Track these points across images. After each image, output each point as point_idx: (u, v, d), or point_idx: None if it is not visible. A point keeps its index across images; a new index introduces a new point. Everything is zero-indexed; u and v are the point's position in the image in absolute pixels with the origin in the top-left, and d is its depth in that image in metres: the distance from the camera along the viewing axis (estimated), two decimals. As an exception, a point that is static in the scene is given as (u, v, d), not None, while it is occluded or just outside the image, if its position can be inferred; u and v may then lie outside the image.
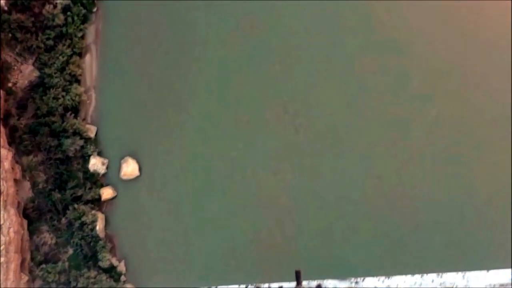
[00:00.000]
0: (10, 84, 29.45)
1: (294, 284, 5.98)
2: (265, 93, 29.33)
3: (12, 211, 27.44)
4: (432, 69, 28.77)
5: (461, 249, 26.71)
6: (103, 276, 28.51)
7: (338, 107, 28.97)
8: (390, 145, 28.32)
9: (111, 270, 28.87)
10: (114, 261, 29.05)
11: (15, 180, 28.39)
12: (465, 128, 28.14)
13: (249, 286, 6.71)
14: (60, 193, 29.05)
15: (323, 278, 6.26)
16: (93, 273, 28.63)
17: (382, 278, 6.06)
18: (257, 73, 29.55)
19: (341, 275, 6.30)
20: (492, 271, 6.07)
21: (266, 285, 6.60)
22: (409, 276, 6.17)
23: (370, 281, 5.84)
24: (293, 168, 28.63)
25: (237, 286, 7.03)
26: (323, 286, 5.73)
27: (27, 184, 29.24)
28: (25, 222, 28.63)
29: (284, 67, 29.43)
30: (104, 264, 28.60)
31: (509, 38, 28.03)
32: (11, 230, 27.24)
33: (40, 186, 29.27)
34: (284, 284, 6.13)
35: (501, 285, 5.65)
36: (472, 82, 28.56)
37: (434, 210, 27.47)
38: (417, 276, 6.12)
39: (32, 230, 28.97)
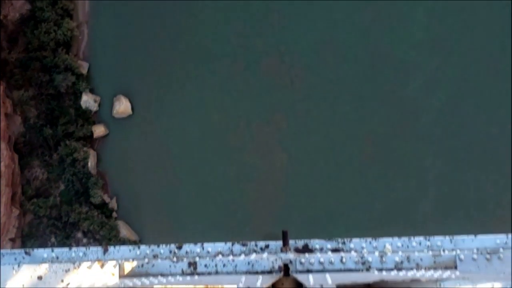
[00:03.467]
0: (0, 17, 28.69)
1: (280, 243, 5.91)
2: (262, 41, 28.60)
3: (3, 145, 27.32)
4: (435, 21, 27.98)
5: (449, 214, 26.98)
6: (95, 212, 28.65)
7: (336, 59, 28.29)
8: (387, 99, 27.85)
9: (102, 207, 28.99)
10: (106, 198, 29.13)
11: (6, 114, 28.12)
12: (466, 84, 27.59)
13: (236, 244, 6.69)
14: (52, 129, 28.84)
15: (310, 238, 6.14)
16: (84, 208, 28.76)
17: (369, 239, 5.96)
18: (255, 21, 28.70)
19: (328, 236, 6.21)
20: (479, 236, 5.99)
21: (253, 243, 6.55)
22: (396, 238, 6.07)
23: (357, 242, 5.74)
24: (287, 119, 28.31)
25: (223, 243, 6.97)
26: (310, 246, 5.66)
27: (18, 119, 29.00)
28: (16, 156, 28.54)
29: (282, 16, 28.57)
30: (95, 200, 28.68)
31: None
32: (2, 164, 27.22)
33: (31, 121, 29.04)
34: (271, 243, 6.05)
35: (488, 250, 5.60)
36: (474, 42, 27.80)
37: (425, 172, 27.44)
38: (405, 239, 6.03)
39: (23, 164, 28.94)
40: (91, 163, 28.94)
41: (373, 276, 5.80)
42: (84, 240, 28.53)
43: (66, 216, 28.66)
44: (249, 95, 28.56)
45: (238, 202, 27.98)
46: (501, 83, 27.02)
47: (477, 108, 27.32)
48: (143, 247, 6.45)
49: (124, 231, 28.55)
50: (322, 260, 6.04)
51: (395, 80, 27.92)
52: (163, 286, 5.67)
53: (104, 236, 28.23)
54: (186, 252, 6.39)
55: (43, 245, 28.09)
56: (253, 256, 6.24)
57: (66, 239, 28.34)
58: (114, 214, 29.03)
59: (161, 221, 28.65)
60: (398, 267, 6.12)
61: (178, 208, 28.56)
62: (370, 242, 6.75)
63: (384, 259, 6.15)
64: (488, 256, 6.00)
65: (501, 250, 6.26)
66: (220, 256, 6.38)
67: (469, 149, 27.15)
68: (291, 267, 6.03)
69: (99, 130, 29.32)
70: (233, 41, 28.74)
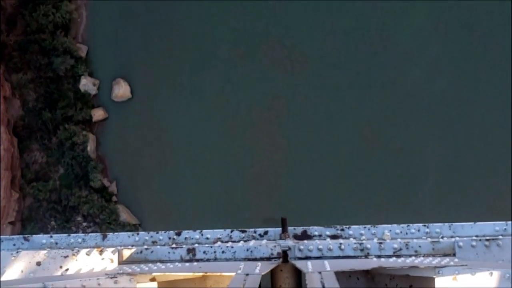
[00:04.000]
0: (-1, -1, 28.58)
1: (279, 230, 5.93)
2: (262, 25, 28.36)
3: (2, 128, 27.29)
4: (436, 7, 27.72)
5: (449, 201, 26.96)
6: (95, 196, 28.70)
7: (337, 44, 28.06)
8: (387, 85, 27.72)
9: (102, 191, 29.03)
10: (106, 182, 29.17)
11: (5, 98, 28.06)
12: (467, 70, 27.44)
13: (235, 231, 6.72)
14: (51, 112, 28.82)
15: (309, 224, 6.18)
16: (84, 192, 28.81)
17: (368, 226, 5.98)
18: (255, 4, 28.40)
19: (327, 223, 6.20)
20: (478, 223, 5.99)
21: (252, 229, 6.57)
22: (395, 225, 6.09)
23: (356, 229, 5.77)
24: (288, 104, 28.19)
25: (222, 230, 6.99)
26: (309, 232, 5.68)
27: (17, 102, 28.95)
28: (15, 139, 28.53)
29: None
30: (95, 184, 28.73)
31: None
32: (1, 147, 27.21)
33: (30, 104, 29.00)
34: (270, 230, 6.09)
35: (487, 237, 5.59)
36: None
37: (425, 158, 27.39)
38: (404, 226, 6.05)
39: (23, 148, 28.94)
40: (91, 147, 28.93)
41: (372, 263, 5.81)
42: (84, 224, 28.62)
43: (66, 199, 28.71)
44: (249, 79, 28.43)
45: (238, 187, 27.97)
46: (502, 69, 26.90)
47: (477, 94, 27.23)
48: (142, 233, 6.46)
49: (124, 215, 28.62)
50: (320, 247, 6.05)
51: (396, 66, 27.77)
52: (161, 273, 5.68)
53: (104, 220, 28.32)
54: (185, 239, 6.40)
55: (43, 228, 28.19)
56: (252, 243, 6.25)
57: (66, 223, 28.43)
58: (114, 198, 29.09)
59: (160, 205, 28.71)
60: (397, 254, 6.13)
61: (177, 192, 28.59)
62: (369, 229, 6.76)
63: (382, 246, 6.16)
64: (487, 243, 6.01)
65: (500, 237, 6.26)
66: (219, 242, 6.39)
67: (469, 136, 27.10)
68: (290, 254, 6.04)
69: (98, 114, 29.27)
70: (233, 24, 28.54)
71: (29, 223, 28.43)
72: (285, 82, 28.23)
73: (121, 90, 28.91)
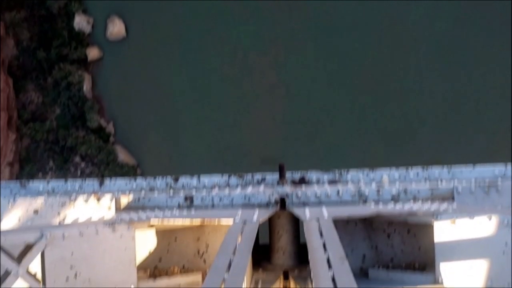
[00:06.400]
0: None
1: (277, 175, 5.89)
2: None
3: (-3, 69, 26.99)
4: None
5: (448, 143, 26.93)
6: (92, 137, 28.60)
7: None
8: (387, 30, 27.21)
9: (99, 131, 28.88)
10: (103, 122, 29.01)
11: (-2, 37, 27.62)
12: (466, 12, 26.89)
13: (232, 176, 6.71)
14: (45, 52, 28.38)
15: (307, 169, 6.14)
16: (81, 133, 28.71)
17: (366, 170, 5.94)
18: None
19: (325, 168, 6.16)
20: (477, 167, 5.93)
21: (249, 175, 6.54)
22: (393, 169, 6.03)
23: (354, 173, 5.73)
24: (286, 49, 27.68)
25: (220, 176, 6.98)
26: (306, 178, 5.62)
27: (11, 42, 28.46)
28: (10, 80, 28.20)
29: None
30: (92, 124, 28.55)
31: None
32: (-3, 87, 26.96)
33: (25, 43, 28.52)
34: (268, 176, 6.05)
35: (486, 182, 5.55)
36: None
37: (424, 101, 27.19)
38: (402, 170, 5.99)
39: (18, 88, 28.63)
40: (86, 86, 28.62)
41: (370, 210, 5.78)
42: (82, 165, 28.68)
43: (63, 140, 28.63)
44: (246, 24, 27.84)
45: (235, 132, 27.86)
46: (503, 11, 26.40)
47: (476, 35, 26.84)
48: (139, 179, 6.43)
49: (122, 155, 28.63)
50: (318, 193, 6.02)
51: (396, 9, 27.24)
52: (159, 222, 5.67)
53: (102, 160, 28.36)
54: (183, 185, 6.38)
55: (41, 169, 28.26)
56: (250, 190, 6.22)
57: (64, 163, 28.48)
58: (112, 139, 28.99)
59: (158, 146, 28.66)
60: (395, 199, 6.11)
61: (175, 133, 28.51)
62: (367, 174, 6.71)
63: (381, 192, 6.13)
64: (486, 188, 5.98)
65: (499, 180, 6.22)
66: (216, 188, 6.36)
67: (468, 78, 26.90)
68: (288, 201, 6.02)
69: (93, 53, 28.80)
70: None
71: (27, 164, 28.47)
72: (283, 26, 27.68)
73: (116, 28, 28.34)
